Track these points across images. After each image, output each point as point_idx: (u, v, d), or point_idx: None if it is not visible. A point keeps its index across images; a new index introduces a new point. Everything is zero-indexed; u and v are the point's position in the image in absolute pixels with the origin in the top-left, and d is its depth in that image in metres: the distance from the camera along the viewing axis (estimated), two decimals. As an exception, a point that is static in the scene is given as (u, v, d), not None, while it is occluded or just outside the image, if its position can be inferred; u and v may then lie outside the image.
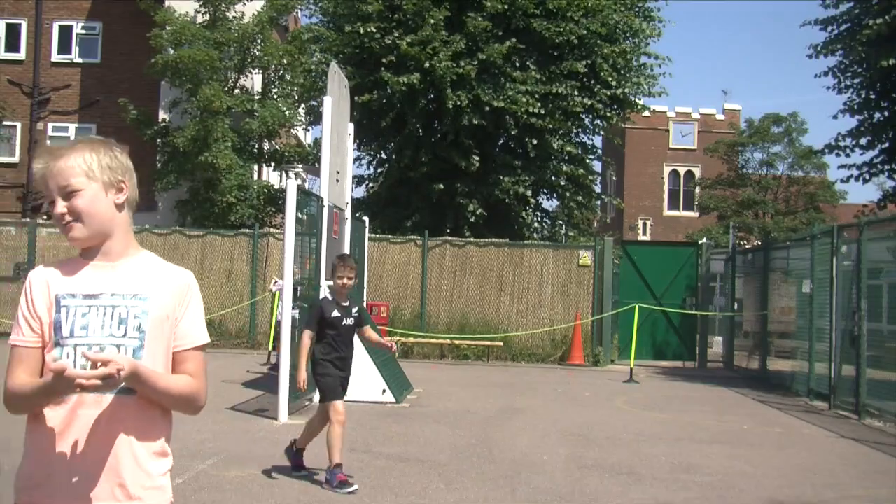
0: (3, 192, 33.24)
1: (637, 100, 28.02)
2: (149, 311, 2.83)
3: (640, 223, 60.37)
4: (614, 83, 26.21)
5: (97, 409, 2.74)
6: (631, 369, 19.58)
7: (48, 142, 33.31)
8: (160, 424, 2.87)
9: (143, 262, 2.94)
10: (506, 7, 24.65)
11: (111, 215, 2.87)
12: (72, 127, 33.41)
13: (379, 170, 27.96)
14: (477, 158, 24.76)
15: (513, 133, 25.18)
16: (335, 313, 8.58)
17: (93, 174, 2.83)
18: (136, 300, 2.83)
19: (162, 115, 29.89)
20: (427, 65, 23.91)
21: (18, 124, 33.18)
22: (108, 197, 2.86)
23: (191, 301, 2.94)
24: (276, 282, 19.25)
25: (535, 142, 25.21)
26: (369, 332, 9.18)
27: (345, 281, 8.56)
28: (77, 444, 2.73)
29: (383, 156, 28.03)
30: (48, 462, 2.73)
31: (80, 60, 33.69)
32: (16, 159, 33.40)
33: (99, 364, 2.59)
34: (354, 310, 8.75)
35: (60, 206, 2.81)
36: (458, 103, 24.01)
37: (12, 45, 33.85)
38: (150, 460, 2.82)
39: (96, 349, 2.72)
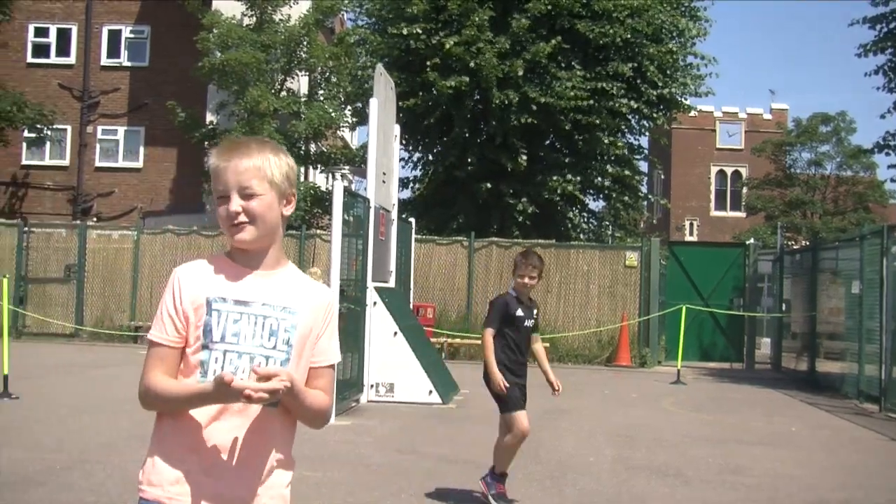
0: (54, 194, 33.69)
1: (683, 100, 27.89)
2: (297, 326, 2.78)
3: (687, 224, 60.02)
4: (661, 83, 26.10)
5: (241, 418, 2.71)
6: (678, 370, 19.47)
7: (98, 145, 33.73)
8: (289, 436, 2.86)
9: (291, 275, 2.89)
10: (549, 8, 24.61)
11: (278, 224, 2.83)
12: (121, 130, 33.84)
13: (424, 171, 28.03)
14: (525, 158, 24.74)
15: (563, 129, 25.10)
16: (519, 311, 7.96)
17: (273, 181, 2.78)
18: (285, 313, 2.77)
19: (209, 117, 30.15)
20: (472, 64, 23.94)
21: (69, 127, 33.64)
22: (279, 206, 2.81)
23: (331, 319, 2.90)
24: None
25: (584, 137, 25.15)
26: (538, 343, 8.46)
27: (526, 280, 7.84)
28: (217, 450, 2.69)
29: (430, 157, 28.09)
30: (185, 462, 2.70)
31: (128, 64, 34.13)
32: (66, 162, 33.86)
33: (264, 377, 2.57)
34: (535, 311, 8.15)
35: (236, 205, 2.73)
36: (506, 101, 24.02)
37: (63, 49, 34.34)
38: (279, 470, 2.82)
39: (246, 358, 2.70)
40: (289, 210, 2.85)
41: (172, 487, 2.69)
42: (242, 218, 2.74)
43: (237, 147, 2.81)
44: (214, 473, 2.69)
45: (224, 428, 2.70)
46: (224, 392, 2.56)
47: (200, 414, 2.70)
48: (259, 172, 2.76)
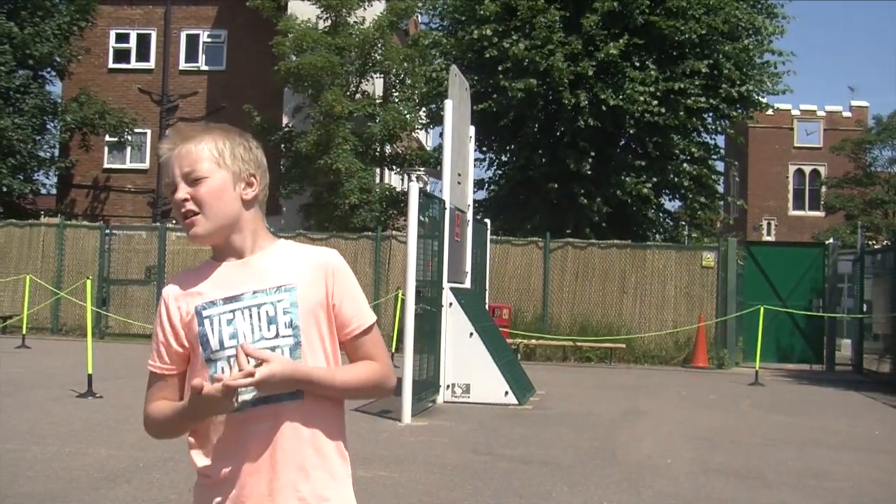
0: (134, 197, 34.30)
1: (761, 98, 27.56)
2: (298, 303, 2.55)
3: (765, 223, 59.29)
4: (738, 81, 25.83)
5: (268, 422, 2.51)
6: (756, 372, 19.23)
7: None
8: (336, 424, 2.62)
9: (279, 251, 2.66)
10: (620, 7, 24.49)
11: (236, 210, 2.59)
12: (199, 133, 34.24)
13: (498, 172, 28.06)
14: (590, 161, 24.65)
15: (632, 132, 25.02)
16: None
17: (223, 162, 2.57)
18: (280, 293, 2.55)
19: (285, 120, 30.45)
20: (544, 66, 23.91)
21: (148, 131, 34.22)
22: (235, 189, 2.59)
23: (344, 281, 2.63)
24: None
25: (656, 140, 25.01)
26: None
27: None
28: (252, 461, 2.51)
29: (503, 158, 28.13)
30: (223, 478, 2.54)
31: (206, 68, 34.65)
32: (146, 166, 34.45)
33: (254, 357, 2.41)
34: None
35: (182, 192, 2.53)
36: (577, 103, 23.95)
37: (143, 54, 34.97)
38: (332, 461, 2.59)
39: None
40: (249, 192, 2.63)
41: (222, 486, 2.55)
42: (191, 206, 2.54)
43: (182, 132, 2.62)
44: (258, 482, 2.51)
45: (254, 437, 2.50)
46: (199, 401, 2.40)
47: (224, 430, 2.53)
48: (203, 153, 2.56)
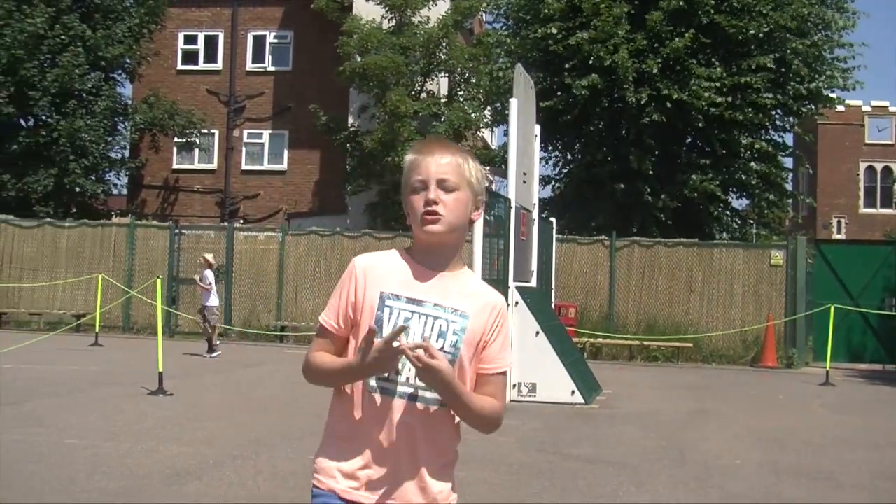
0: (203, 197, 34.70)
1: (831, 94, 27.16)
2: (466, 330, 2.78)
3: (835, 221, 58.41)
4: (806, 78, 25.49)
5: (410, 416, 2.73)
6: (826, 372, 18.94)
7: (244, 149, 34.63)
8: (456, 439, 2.87)
9: (465, 278, 2.88)
10: (685, 4, 24.29)
11: (464, 227, 2.84)
12: (265, 133, 34.66)
13: (563, 170, 27.99)
14: (654, 159, 24.47)
15: (699, 127, 24.80)
16: None
17: (469, 183, 2.82)
18: (456, 316, 2.78)
19: (351, 120, 30.61)
20: (608, 62, 23.80)
21: (216, 132, 34.59)
22: (470, 208, 2.83)
23: (502, 326, 2.86)
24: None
25: (722, 137, 24.79)
26: None
27: None
28: (388, 447, 2.73)
29: (568, 156, 28.05)
30: (355, 457, 2.76)
31: (272, 69, 34.91)
32: (214, 165, 34.84)
33: (427, 351, 2.61)
34: None
35: (434, 192, 2.75)
36: (640, 99, 23.81)
37: (210, 56, 35.33)
38: (447, 472, 2.84)
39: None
40: (476, 216, 2.87)
41: (346, 480, 2.76)
42: (438, 208, 2.75)
43: (438, 143, 2.88)
44: (384, 469, 2.73)
45: (394, 425, 2.73)
46: (367, 352, 2.62)
47: (369, 412, 2.75)
48: (459, 169, 2.80)
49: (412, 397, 2.73)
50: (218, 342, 19.71)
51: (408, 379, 2.72)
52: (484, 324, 2.81)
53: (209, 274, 19.64)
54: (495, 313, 2.85)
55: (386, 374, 2.71)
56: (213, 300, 19.62)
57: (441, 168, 2.77)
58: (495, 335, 2.83)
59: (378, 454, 2.73)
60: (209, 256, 20.26)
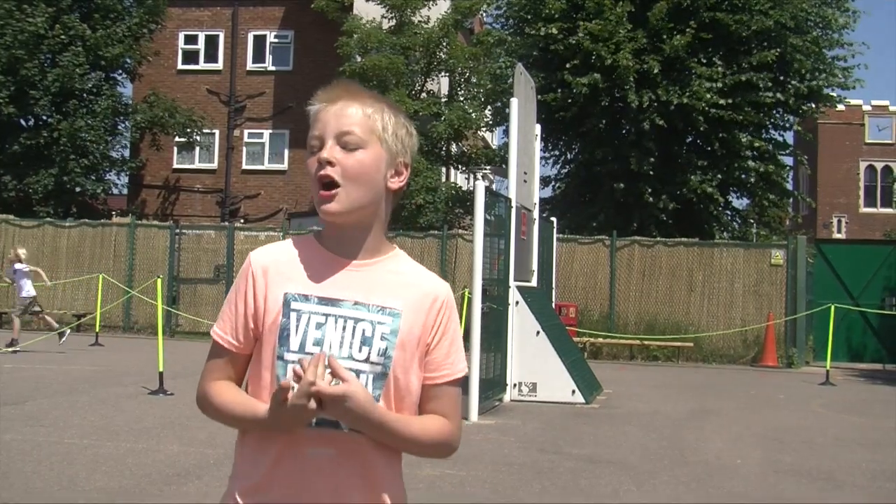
0: (203, 196, 34.71)
1: (831, 92, 27.15)
2: (399, 332, 2.20)
3: (835, 221, 58.41)
4: (807, 74, 25.49)
5: (331, 449, 2.17)
6: (827, 371, 18.94)
7: (244, 149, 34.62)
8: (396, 468, 2.28)
9: (396, 266, 2.29)
10: (686, 1, 24.30)
11: (379, 196, 2.24)
12: (266, 133, 34.68)
13: (563, 169, 27.99)
14: (653, 160, 24.46)
15: (700, 129, 24.78)
16: None
17: (383, 137, 2.23)
18: (384, 316, 2.20)
19: (351, 120, 30.57)
20: (609, 61, 23.78)
21: (217, 132, 34.61)
22: (385, 171, 2.24)
23: (448, 322, 2.28)
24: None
25: (722, 136, 24.77)
26: None
27: None
28: (301, 483, 2.17)
29: (568, 155, 28.04)
30: (268, 491, 2.20)
31: (273, 68, 34.95)
32: (214, 165, 34.86)
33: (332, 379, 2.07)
34: None
35: (329, 150, 2.19)
36: (641, 103, 23.80)
37: (211, 55, 35.36)
38: None
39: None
40: (396, 183, 2.27)
41: None
42: (334, 174, 2.18)
43: (350, 89, 2.30)
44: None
45: (308, 459, 2.17)
46: (281, 407, 2.07)
47: (276, 445, 2.18)
48: (367, 121, 2.22)
49: (325, 422, 2.14)
50: (18, 338, 18.30)
51: None
52: (423, 322, 2.24)
53: (19, 266, 18.73)
54: (437, 306, 2.27)
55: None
56: (29, 291, 18.76)
57: (342, 121, 2.21)
58: (440, 335, 2.27)
59: (289, 492, 2.18)
60: (21, 251, 19.18)
